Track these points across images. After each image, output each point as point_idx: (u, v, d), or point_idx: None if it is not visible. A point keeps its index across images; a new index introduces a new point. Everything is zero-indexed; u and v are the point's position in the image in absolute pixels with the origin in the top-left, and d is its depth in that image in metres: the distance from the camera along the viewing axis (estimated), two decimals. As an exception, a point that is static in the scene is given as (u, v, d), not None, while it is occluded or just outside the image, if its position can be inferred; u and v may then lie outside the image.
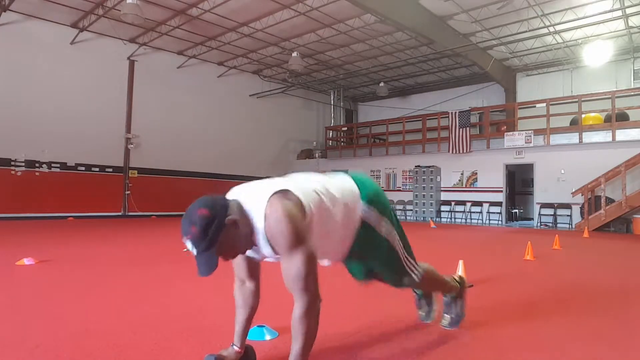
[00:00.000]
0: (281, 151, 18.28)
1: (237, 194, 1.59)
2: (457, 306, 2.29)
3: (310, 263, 1.46)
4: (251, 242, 1.54)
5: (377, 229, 1.83)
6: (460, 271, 3.57)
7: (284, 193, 1.51)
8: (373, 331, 2.27)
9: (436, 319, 2.38)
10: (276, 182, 1.58)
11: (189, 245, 1.43)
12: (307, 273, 1.45)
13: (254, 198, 1.53)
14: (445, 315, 2.30)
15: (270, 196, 1.49)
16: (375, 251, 1.87)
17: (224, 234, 1.43)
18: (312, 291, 1.47)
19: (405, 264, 1.93)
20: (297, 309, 1.47)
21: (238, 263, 1.75)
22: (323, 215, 1.62)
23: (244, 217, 1.50)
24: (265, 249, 1.55)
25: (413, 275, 1.96)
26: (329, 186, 1.73)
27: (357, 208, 1.79)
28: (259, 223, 1.49)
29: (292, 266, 1.45)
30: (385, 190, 16.14)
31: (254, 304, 1.78)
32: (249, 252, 1.66)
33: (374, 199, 1.85)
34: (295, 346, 1.47)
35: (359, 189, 1.84)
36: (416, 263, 2.00)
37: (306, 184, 1.65)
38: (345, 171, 1.94)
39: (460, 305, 2.30)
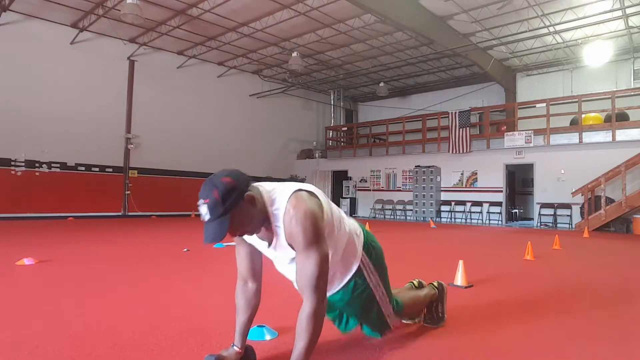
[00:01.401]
0: (281, 151, 18.28)
1: (259, 184, 1.62)
2: (437, 311, 2.35)
3: (324, 264, 1.49)
4: (260, 226, 1.56)
5: (366, 277, 1.87)
6: (460, 271, 3.56)
7: (308, 192, 1.56)
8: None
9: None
10: (299, 184, 1.62)
11: (203, 210, 1.43)
12: (319, 273, 1.47)
13: (278, 189, 1.58)
14: (426, 316, 2.37)
15: (295, 191, 1.54)
16: (357, 301, 1.89)
17: (240, 207, 1.45)
18: (321, 292, 1.48)
19: (383, 313, 1.95)
20: (306, 308, 1.48)
21: (242, 262, 1.76)
22: (330, 229, 1.66)
23: (262, 200, 1.53)
24: (284, 242, 1.57)
25: (389, 324, 2.00)
26: (341, 212, 1.82)
27: (358, 245, 1.86)
28: (279, 211, 1.52)
29: (306, 265, 1.47)
30: (385, 191, 16.40)
31: (256, 305, 1.79)
32: (257, 244, 1.68)
33: (373, 246, 1.94)
34: (299, 345, 1.47)
35: (363, 233, 1.94)
36: (393, 308, 2.00)
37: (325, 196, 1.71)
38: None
39: (441, 310, 2.36)
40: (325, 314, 1.54)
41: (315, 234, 1.48)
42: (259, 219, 1.52)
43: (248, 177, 1.53)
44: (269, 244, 1.64)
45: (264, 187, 1.58)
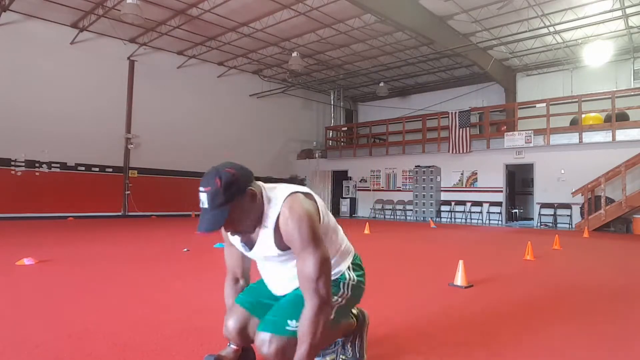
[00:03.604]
0: (281, 151, 18.28)
1: (261, 183, 1.60)
2: (354, 346, 1.85)
3: (323, 265, 1.45)
4: (255, 226, 1.53)
5: (340, 288, 1.66)
6: (460, 271, 3.56)
7: (305, 194, 1.54)
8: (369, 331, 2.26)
9: None
10: (297, 186, 1.59)
11: (203, 197, 1.41)
12: (319, 275, 1.44)
13: (277, 189, 1.55)
14: (340, 354, 1.87)
15: (292, 192, 1.51)
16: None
17: (240, 200, 1.43)
18: (322, 294, 1.45)
19: None
20: (307, 310, 1.45)
21: (232, 260, 1.75)
22: (324, 232, 1.60)
23: (261, 198, 1.51)
24: (268, 241, 1.53)
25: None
26: (337, 225, 1.73)
27: (342, 261, 1.70)
28: (272, 211, 1.49)
29: (305, 267, 1.45)
30: (385, 191, 16.39)
31: None
32: (244, 250, 1.64)
33: (360, 276, 1.74)
34: (301, 348, 1.44)
35: (354, 257, 1.76)
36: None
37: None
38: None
39: (359, 346, 1.86)
40: (330, 314, 1.49)
41: (312, 235, 1.45)
42: (256, 217, 1.50)
43: (252, 173, 1.51)
44: (250, 248, 1.59)
45: (265, 186, 1.57)
